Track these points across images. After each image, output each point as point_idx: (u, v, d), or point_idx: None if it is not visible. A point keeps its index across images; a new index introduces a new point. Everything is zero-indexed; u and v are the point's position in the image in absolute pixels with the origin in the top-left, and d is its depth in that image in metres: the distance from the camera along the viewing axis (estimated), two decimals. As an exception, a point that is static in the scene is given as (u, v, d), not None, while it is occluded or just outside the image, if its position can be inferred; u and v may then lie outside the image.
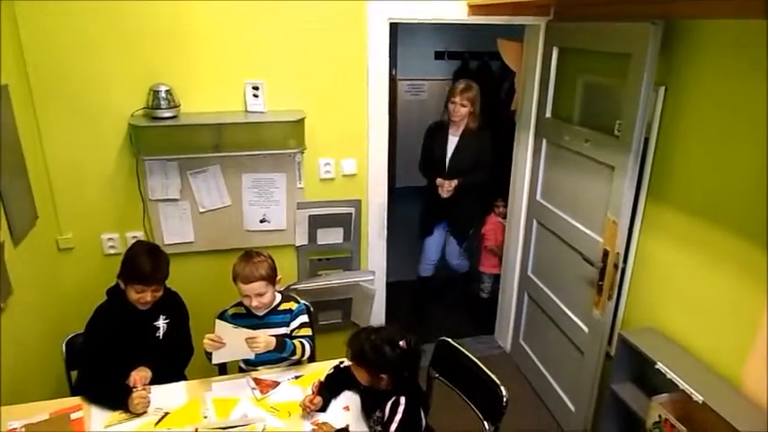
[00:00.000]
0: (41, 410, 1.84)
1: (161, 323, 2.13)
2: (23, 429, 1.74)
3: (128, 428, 1.79)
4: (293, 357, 2.09)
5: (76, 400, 1.92)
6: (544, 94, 2.91)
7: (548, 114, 2.91)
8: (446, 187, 3.36)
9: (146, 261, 2.01)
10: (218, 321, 2.02)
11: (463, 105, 3.25)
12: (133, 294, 2.01)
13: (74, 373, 2.18)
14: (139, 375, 1.96)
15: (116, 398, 1.86)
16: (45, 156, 2.45)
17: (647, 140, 2.20)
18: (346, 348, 1.83)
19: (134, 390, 1.87)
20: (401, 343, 1.75)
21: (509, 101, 3.68)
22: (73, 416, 1.81)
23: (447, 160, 3.38)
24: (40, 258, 2.38)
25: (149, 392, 1.90)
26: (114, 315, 2.06)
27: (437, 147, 3.41)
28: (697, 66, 2.01)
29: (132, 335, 2.06)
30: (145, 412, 1.85)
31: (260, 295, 2.08)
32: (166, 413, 1.85)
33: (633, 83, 2.13)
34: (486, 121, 3.39)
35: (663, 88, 2.14)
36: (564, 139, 2.73)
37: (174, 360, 2.18)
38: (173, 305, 2.20)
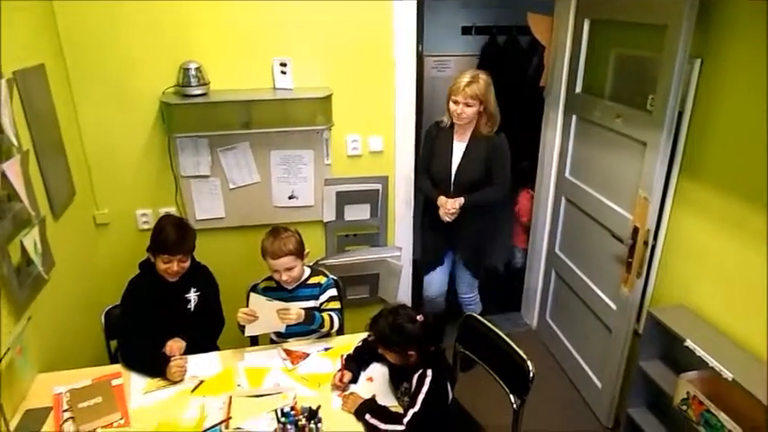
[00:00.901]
0: (84, 377, 1.92)
1: (192, 295, 2.19)
2: (68, 394, 1.82)
3: (165, 395, 1.86)
4: (322, 330, 2.14)
5: (117, 367, 2.00)
6: (574, 69, 2.86)
7: (578, 89, 2.86)
8: (448, 208, 2.64)
9: (172, 232, 2.07)
10: (252, 295, 2.08)
11: (468, 105, 2.52)
12: (161, 264, 2.08)
13: (113, 343, 2.27)
14: (176, 345, 2.04)
15: (155, 366, 1.94)
16: (81, 133, 2.51)
17: (680, 115, 2.15)
18: (368, 332, 1.88)
19: (172, 359, 1.95)
20: (419, 317, 1.79)
21: (538, 76, 3.60)
22: (114, 382, 1.88)
23: (452, 173, 2.68)
24: (78, 233, 2.47)
25: (186, 362, 1.97)
26: (146, 287, 2.13)
27: (439, 155, 2.71)
28: (734, 37, 1.94)
29: (164, 307, 2.12)
30: (182, 380, 1.92)
31: (289, 270, 2.13)
32: (202, 381, 1.92)
33: (668, 55, 2.07)
34: (512, 101, 3.17)
35: (698, 61, 2.08)
36: (594, 114, 2.68)
37: (206, 331, 2.24)
38: (203, 278, 2.26)
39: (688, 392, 1.95)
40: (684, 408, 1.97)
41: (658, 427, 2.31)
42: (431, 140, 2.78)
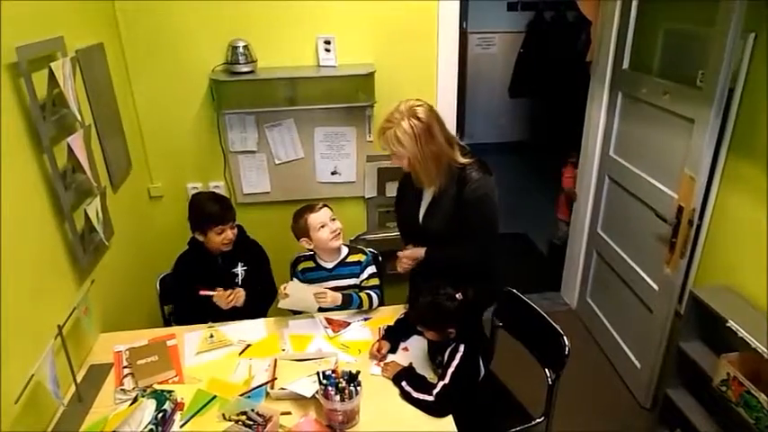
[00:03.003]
0: (141, 337, 2.06)
1: (239, 270, 2.28)
2: (128, 352, 1.96)
3: (216, 355, 1.98)
4: (362, 309, 2.21)
5: (171, 329, 2.14)
6: (622, 45, 2.79)
7: (625, 66, 2.80)
8: (400, 256, 2.20)
9: (212, 204, 2.15)
10: (290, 283, 2.13)
11: (396, 155, 1.95)
12: (216, 237, 2.16)
13: (167, 308, 2.41)
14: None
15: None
16: (137, 110, 2.64)
17: (731, 91, 2.09)
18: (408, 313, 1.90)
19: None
20: (458, 295, 1.81)
21: (585, 52, 3.52)
22: (168, 343, 2.02)
23: (419, 225, 2.15)
24: (134, 204, 2.62)
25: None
26: (195, 263, 2.24)
27: (406, 203, 2.23)
28: (793, 9, 1.87)
29: (213, 282, 2.18)
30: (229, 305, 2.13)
31: (333, 220, 2.19)
32: (249, 344, 2.03)
33: (720, 29, 2.01)
34: (559, 77, 3.13)
35: (752, 35, 2.01)
36: (641, 91, 2.62)
37: (254, 304, 2.28)
38: (250, 253, 2.34)
39: (728, 373, 1.93)
40: (724, 388, 1.96)
41: (697, 408, 2.29)
42: (402, 183, 2.31)
